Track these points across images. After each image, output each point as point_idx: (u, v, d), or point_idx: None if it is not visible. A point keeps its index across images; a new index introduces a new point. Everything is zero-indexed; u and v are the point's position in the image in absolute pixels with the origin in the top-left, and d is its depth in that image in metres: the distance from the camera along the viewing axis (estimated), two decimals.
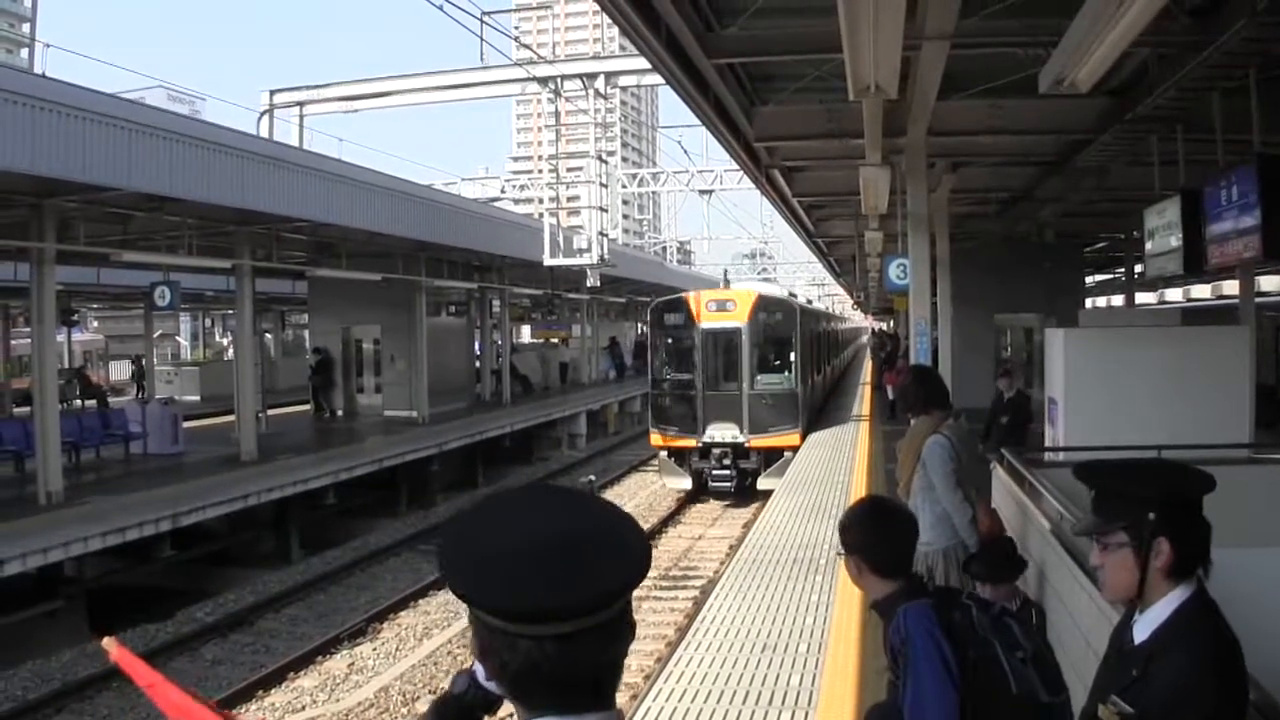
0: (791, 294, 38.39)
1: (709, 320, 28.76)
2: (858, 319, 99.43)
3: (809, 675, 9.97)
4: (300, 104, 37.72)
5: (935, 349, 18.56)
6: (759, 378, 28.56)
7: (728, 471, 27.90)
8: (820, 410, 35.56)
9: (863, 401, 39.96)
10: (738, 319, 28.56)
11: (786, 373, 28.84)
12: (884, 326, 70.16)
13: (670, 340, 29.85)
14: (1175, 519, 3.19)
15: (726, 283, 37.49)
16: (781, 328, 29.08)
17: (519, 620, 1.73)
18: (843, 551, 4.68)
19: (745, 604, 12.59)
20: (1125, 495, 3.31)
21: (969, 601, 4.78)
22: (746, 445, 28.09)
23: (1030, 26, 11.39)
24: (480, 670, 2.44)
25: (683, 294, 30.83)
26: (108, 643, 3.27)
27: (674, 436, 28.86)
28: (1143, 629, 3.23)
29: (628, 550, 1.80)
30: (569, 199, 40.03)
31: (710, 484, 28.16)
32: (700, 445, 28.33)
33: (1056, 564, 7.46)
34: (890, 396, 32.48)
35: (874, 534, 4.59)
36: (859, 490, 19.26)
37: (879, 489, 18.38)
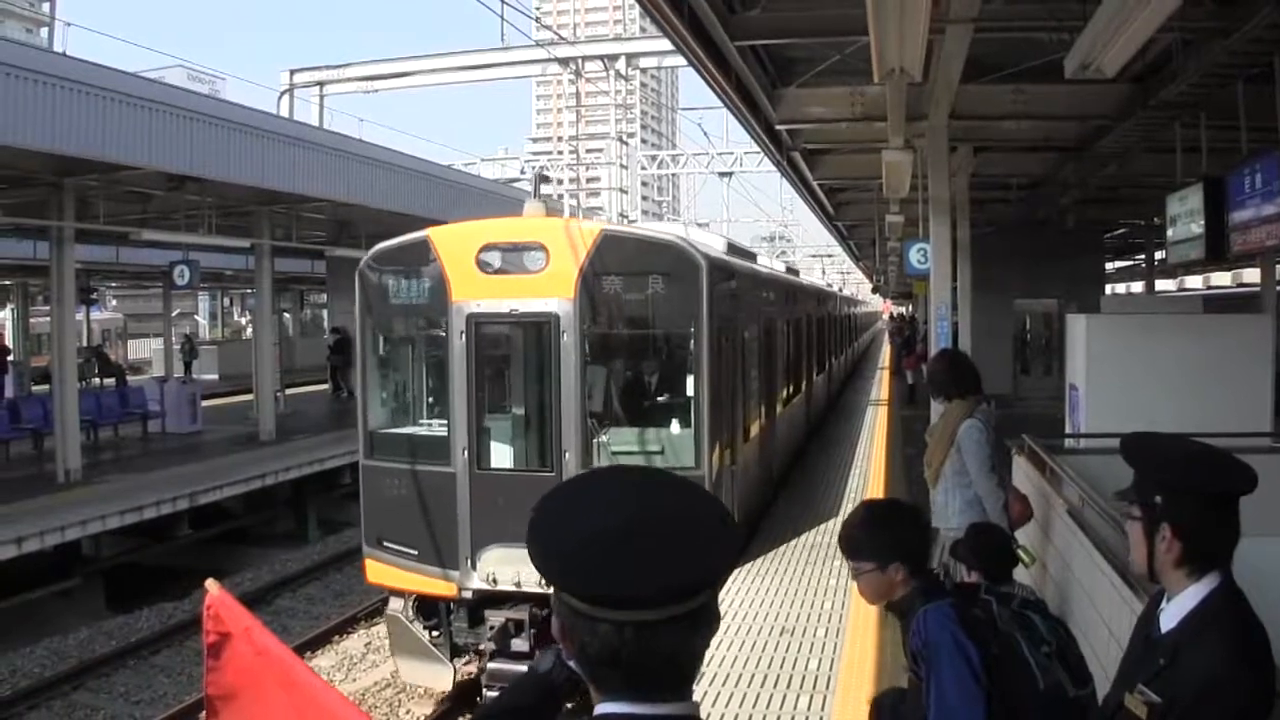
0: (738, 247, 20.71)
1: (482, 295, 12.83)
2: (875, 303, 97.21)
3: (827, 659, 9.99)
4: (320, 84, 37.61)
5: (955, 334, 18.50)
6: (605, 437, 12.83)
7: (522, 665, 11.24)
8: (773, 500, 17.91)
9: (881, 387, 39.47)
10: (554, 291, 12.60)
11: (674, 424, 13.32)
12: (902, 311, 69.92)
13: (397, 341, 14.61)
14: (1182, 509, 3.13)
15: (538, 193, 16.86)
16: (664, 310, 12.97)
17: (600, 605, 1.74)
18: (864, 570, 4.42)
19: (764, 587, 12.61)
20: (1139, 472, 3.28)
21: (989, 596, 4.75)
22: None
23: (1055, 10, 11.31)
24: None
25: (424, 233, 13.38)
26: (210, 583, 3.34)
27: (408, 569, 13.04)
28: (1170, 618, 3.18)
29: (711, 540, 1.80)
30: (589, 180, 39.99)
31: (487, 686, 12.32)
32: (463, 595, 12.74)
33: (1078, 550, 7.44)
34: (910, 381, 32.44)
35: (885, 535, 4.40)
36: (878, 475, 19.19)
37: (898, 474, 18.36)
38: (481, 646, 12.62)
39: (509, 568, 12.25)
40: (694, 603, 1.75)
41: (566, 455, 12.45)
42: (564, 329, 12.47)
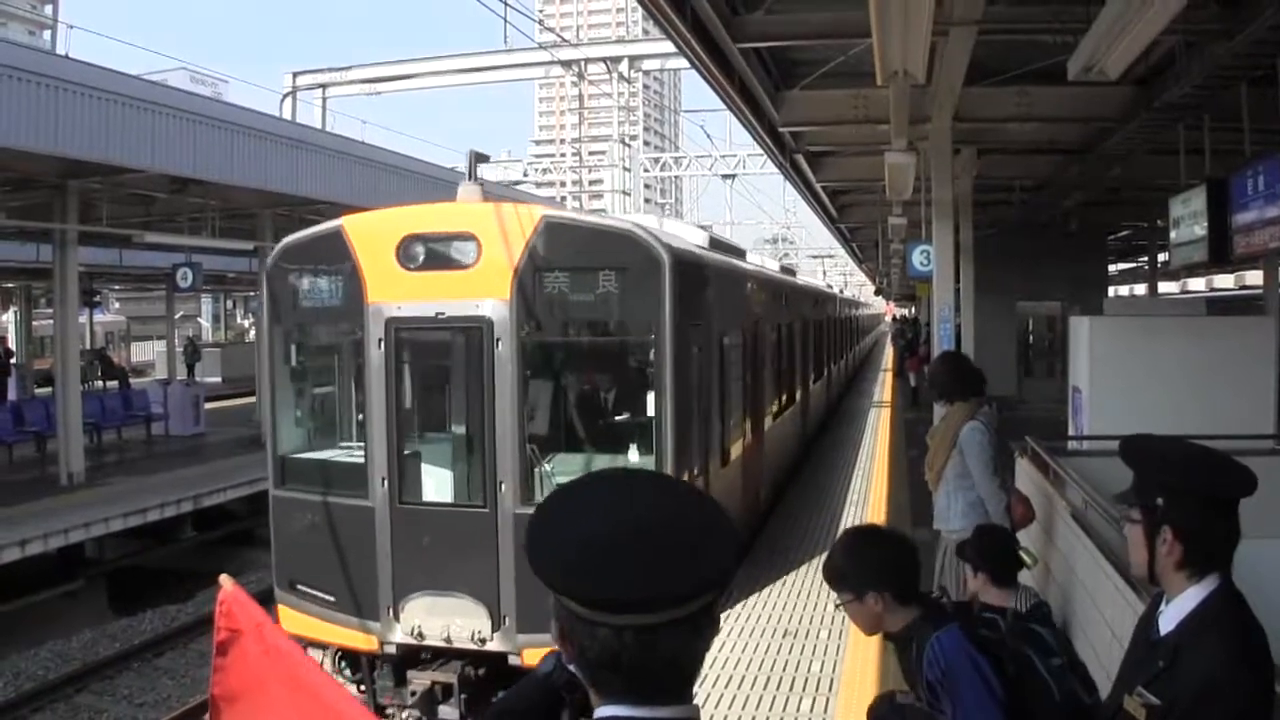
0: (722, 242, 18.01)
1: (404, 297, 10.71)
2: (878, 305, 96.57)
3: (830, 661, 9.97)
4: (323, 86, 37.67)
5: (958, 336, 18.48)
6: (549, 465, 10.65)
7: None
8: (761, 529, 15.81)
9: (884, 389, 39.37)
10: (487, 290, 10.45)
11: (632, 450, 11.27)
12: (905, 313, 69.90)
13: (310, 351, 12.62)
14: (1184, 511, 3.11)
15: (474, 175, 12.88)
16: (620, 313, 10.93)
17: (600, 609, 1.73)
18: (844, 600, 4.28)
19: (766, 590, 12.57)
20: (1139, 474, 3.28)
21: (993, 615, 4.73)
22: (513, 659, 10.12)
23: (1058, 13, 11.30)
24: None
25: (337, 223, 11.48)
26: (224, 579, 3.37)
27: (325, 618, 10.90)
28: (1169, 620, 3.18)
29: (710, 544, 1.78)
30: (591, 183, 39.94)
31: None
32: (385, 649, 10.58)
33: (1082, 552, 7.44)
34: (912, 383, 32.39)
35: (861, 565, 4.27)
36: (881, 478, 19.15)
37: (901, 478, 18.34)
38: (406, 712, 10.50)
39: (438, 620, 10.21)
40: (694, 606, 1.74)
41: (502, 487, 10.29)
42: (498, 336, 10.31)
